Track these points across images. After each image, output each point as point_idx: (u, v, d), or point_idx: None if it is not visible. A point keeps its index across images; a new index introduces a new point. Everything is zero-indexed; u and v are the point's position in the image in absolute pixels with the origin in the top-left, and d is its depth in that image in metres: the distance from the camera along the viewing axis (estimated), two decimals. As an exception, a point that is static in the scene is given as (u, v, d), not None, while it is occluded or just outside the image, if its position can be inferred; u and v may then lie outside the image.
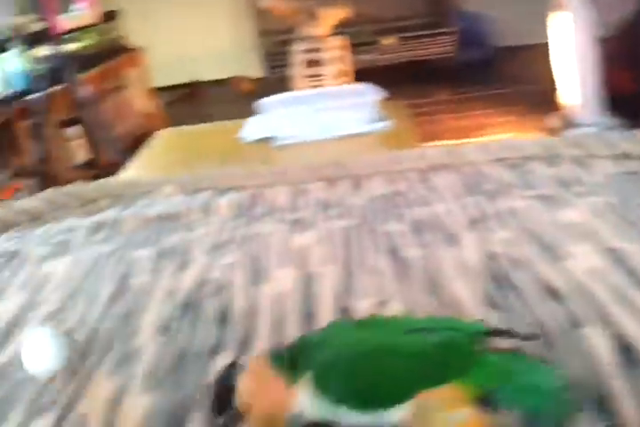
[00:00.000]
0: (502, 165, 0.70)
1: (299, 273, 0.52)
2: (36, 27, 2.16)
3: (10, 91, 2.10)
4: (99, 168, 1.89)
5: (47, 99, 1.67)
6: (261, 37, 3.98)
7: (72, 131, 2.39)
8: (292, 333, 0.43)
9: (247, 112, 1.26)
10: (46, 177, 1.70)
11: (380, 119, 1.04)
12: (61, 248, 0.62)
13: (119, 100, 2.85)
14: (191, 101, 3.99)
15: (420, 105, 2.68)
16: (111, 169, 1.91)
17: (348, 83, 2.56)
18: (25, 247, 0.63)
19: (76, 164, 2.40)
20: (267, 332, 0.44)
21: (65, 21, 2.17)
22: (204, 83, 4.19)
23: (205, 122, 1.29)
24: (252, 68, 4.45)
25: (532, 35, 3.91)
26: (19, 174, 1.99)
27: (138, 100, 3.10)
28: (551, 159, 0.70)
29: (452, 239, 0.54)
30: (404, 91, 1.11)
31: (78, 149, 2.42)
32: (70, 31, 2.18)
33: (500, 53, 3.92)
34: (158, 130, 3.29)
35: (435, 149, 0.74)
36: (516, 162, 0.71)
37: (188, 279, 0.53)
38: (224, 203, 0.70)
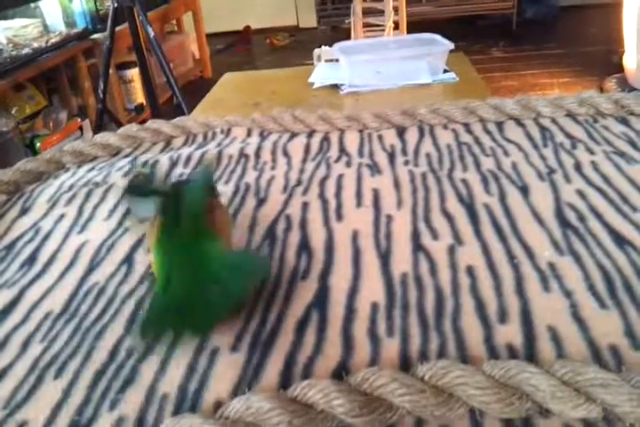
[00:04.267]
0: (574, 120, 0.70)
1: (373, 214, 0.53)
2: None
3: (74, 30, 2.13)
4: (152, 112, 1.91)
5: (110, 39, 1.68)
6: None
7: (127, 73, 2.42)
8: (370, 265, 0.46)
9: (292, 62, 1.29)
10: (106, 117, 1.73)
11: (448, 70, 1.03)
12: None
13: (175, 43, 2.86)
14: (240, 49, 3.97)
15: (475, 61, 2.62)
16: (162, 115, 1.96)
17: (402, 34, 2.50)
18: (109, 178, 0.66)
19: (128, 107, 2.44)
20: (345, 264, 0.46)
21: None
22: (254, 31, 4.15)
23: (249, 71, 1.30)
24: (303, 17, 4.38)
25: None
26: (79, 113, 2.04)
27: (191, 45, 3.11)
28: (622, 116, 0.70)
29: (522, 189, 0.55)
30: (458, 46, 1.09)
31: (132, 93, 2.46)
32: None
33: (564, 13, 3.77)
34: (207, 76, 3.29)
35: (506, 101, 0.74)
36: (588, 117, 0.71)
37: (268, 214, 0.55)
38: (297, 145, 0.71)
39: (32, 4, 2.19)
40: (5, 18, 2.07)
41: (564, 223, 0.49)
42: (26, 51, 1.88)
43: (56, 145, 1.77)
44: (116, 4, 1.67)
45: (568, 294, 0.41)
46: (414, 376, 0.32)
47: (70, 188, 0.65)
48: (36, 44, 1.96)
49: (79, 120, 1.97)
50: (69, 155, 0.74)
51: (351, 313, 0.40)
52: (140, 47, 1.70)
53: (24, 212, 0.62)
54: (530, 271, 0.43)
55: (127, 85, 2.38)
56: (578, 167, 0.58)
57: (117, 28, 1.85)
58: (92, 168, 0.71)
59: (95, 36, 2.20)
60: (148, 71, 1.71)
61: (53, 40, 2.03)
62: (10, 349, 0.41)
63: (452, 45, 1.01)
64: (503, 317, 0.39)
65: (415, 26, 2.61)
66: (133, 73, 2.36)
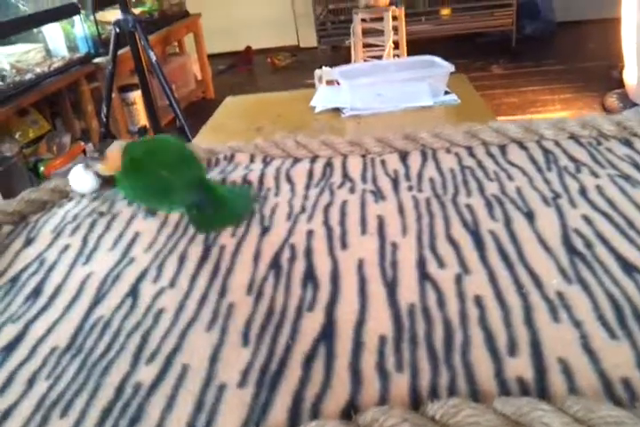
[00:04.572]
0: (577, 142, 0.70)
1: (378, 241, 0.53)
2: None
3: (76, 54, 2.15)
4: (154, 134, 1.92)
5: (113, 63, 1.70)
6: (316, 6, 3.94)
7: (130, 96, 2.44)
8: (376, 295, 0.45)
9: (294, 82, 1.31)
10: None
11: (450, 92, 1.03)
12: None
13: (177, 65, 2.88)
14: (242, 69, 4.00)
15: (475, 79, 2.64)
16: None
17: (403, 54, 2.53)
18: (114, 208, 0.66)
19: (131, 129, 2.46)
20: (351, 294, 0.46)
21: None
22: (255, 51, 4.19)
23: (251, 91, 1.31)
24: (304, 37, 4.42)
25: (597, 9, 3.77)
26: (82, 137, 2.05)
27: (193, 67, 3.14)
28: (625, 138, 0.70)
29: (528, 214, 0.55)
30: (458, 64, 1.10)
31: (135, 115, 2.47)
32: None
33: (561, 29, 3.80)
34: (210, 97, 3.31)
35: (509, 124, 0.74)
36: (591, 140, 0.71)
37: (272, 243, 0.55)
38: (300, 171, 0.71)
39: (34, 30, 2.22)
40: (8, 43, 2.09)
41: (570, 250, 0.49)
42: (29, 76, 1.90)
43: (60, 169, 1.77)
44: (117, 30, 1.69)
45: (577, 324, 0.40)
46: (425, 415, 0.31)
47: (75, 218, 0.65)
48: (38, 70, 1.98)
49: (82, 144, 1.98)
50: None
51: (359, 347, 0.40)
52: (142, 71, 1.72)
53: (29, 242, 0.62)
54: (538, 301, 0.43)
55: (130, 108, 2.39)
56: (583, 192, 0.58)
57: (119, 52, 1.87)
58: (97, 197, 0.71)
59: (97, 60, 2.22)
60: (150, 94, 1.73)
61: (56, 65, 2.05)
62: (15, 386, 0.41)
63: (452, 67, 1.02)
64: (513, 349, 0.39)
65: (414, 44, 2.64)
66: (136, 95, 2.38)
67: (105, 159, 0.62)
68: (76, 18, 2.22)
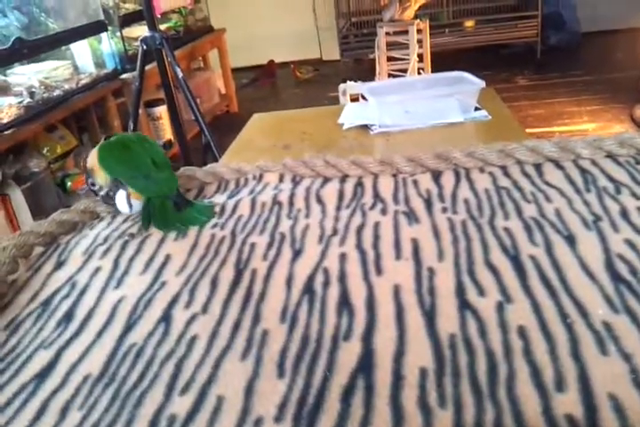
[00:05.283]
0: (615, 161, 0.68)
1: (414, 267, 0.52)
2: (130, 7, 2.24)
3: (104, 70, 2.18)
4: (180, 149, 1.93)
5: (140, 80, 1.72)
6: (339, 20, 3.96)
7: (155, 111, 2.47)
8: (415, 324, 0.44)
9: (317, 95, 1.30)
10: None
11: (480, 108, 1.02)
12: (178, 232, 0.65)
13: (201, 80, 2.91)
14: (265, 82, 4.03)
15: (500, 90, 2.62)
16: (190, 150, 1.98)
17: (427, 67, 2.52)
18: (144, 229, 0.66)
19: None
20: (389, 323, 0.45)
21: (162, 2, 2.23)
22: (278, 64, 4.22)
23: (274, 104, 1.31)
24: (326, 50, 4.44)
25: (623, 19, 3.73)
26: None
27: (217, 81, 3.16)
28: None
29: (568, 238, 0.53)
30: (482, 76, 1.08)
31: (160, 130, 2.49)
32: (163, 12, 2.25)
33: (587, 39, 3.76)
34: (233, 110, 3.33)
35: (544, 143, 0.72)
36: (630, 159, 0.69)
37: (305, 267, 0.54)
38: (330, 191, 0.71)
39: (62, 47, 2.25)
40: (37, 60, 2.13)
41: (615, 277, 0.47)
42: (57, 92, 1.93)
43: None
44: (144, 47, 1.71)
45: (627, 357, 0.39)
46: (474, 459, 0.30)
47: (105, 239, 0.65)
48: (66, 86, 2.01)
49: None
50: (104, 204, 0.74)
51: (399, 380, 0.39)
52: (169, 87, 1.73)
53: (59, 265, 0.61)
54: (584, 332, 0.41)
55: (155, 122, 2.42)
56: (624, 214, 0.56)
57: (146, 67, 1.88)
58: (127, 218, 0.71)
59: (124, 75, 2.25)
60: (176, 109, 1.74)
61: (84, 81, 2.08)
62: (48, 416, 0.40)
63: (483, 84, 1.01)
64: (560, 384, 0.37)
65: (438, 56, 2.63)
66: (161, 110, 2.41)
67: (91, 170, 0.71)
68: (104, 35, 2.26)
